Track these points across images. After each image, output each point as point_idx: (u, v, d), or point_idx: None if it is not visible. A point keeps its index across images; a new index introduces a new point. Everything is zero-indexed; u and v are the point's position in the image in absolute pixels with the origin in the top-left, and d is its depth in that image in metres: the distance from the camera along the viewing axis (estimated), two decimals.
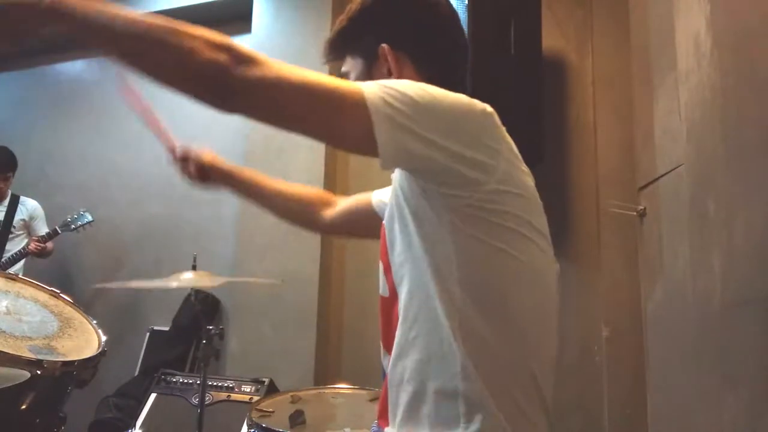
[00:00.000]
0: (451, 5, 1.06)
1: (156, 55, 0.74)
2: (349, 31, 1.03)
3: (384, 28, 1.00)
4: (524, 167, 0.90)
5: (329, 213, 1.34)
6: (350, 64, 1.04)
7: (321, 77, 0.78)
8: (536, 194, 0.91)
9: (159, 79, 0.75)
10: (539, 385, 0.86)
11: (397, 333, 0.89)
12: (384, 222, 0.95)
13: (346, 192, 3.11)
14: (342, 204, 1.35)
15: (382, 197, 1.25)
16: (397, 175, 0.92)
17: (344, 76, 1.05)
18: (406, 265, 0.88)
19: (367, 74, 1.00)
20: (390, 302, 0.94)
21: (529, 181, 0.90)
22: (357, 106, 0.76)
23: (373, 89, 0.78)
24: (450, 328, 0.82)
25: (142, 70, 0.75)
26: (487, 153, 0.82)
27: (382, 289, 0.98)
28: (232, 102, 0.76)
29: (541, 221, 0.91)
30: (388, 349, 0.93)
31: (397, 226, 0.90)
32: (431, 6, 1.02)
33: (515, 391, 0.83)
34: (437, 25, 1.02)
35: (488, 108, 0.85)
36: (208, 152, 1.35)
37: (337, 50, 1.06)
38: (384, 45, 0.98)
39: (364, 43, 1.01)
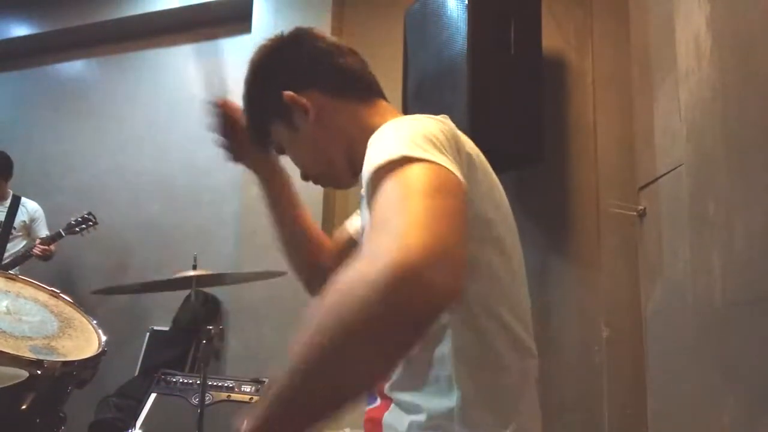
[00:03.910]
0: (319, 35, 1.05)
1: (347, 365, 0.58)
2: (254, 108, 1.05)
3: (274, 83, 1.00)
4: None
5: (328, 256, 1.23)
6: (275, 133, 1.05)
7: None
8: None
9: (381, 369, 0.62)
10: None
11: None
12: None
13: (346, 193, 3.11)
14: (335, 244, 1.25)
15: (356, 224, 1.19)
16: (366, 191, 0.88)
17: (277, 146, 1.07)
18: None
19: (290, 127, 1.01)
20: None
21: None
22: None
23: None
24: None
25: (361, 382, 0.61)
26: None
27: None
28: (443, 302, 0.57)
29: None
30: None
31: None
32: (307, 39, 1.02)
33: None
34: (321, 51, 1.02)
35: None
36: None
37: (260, 133, 1.07)
38: (285, 93, 0.98)
39: (270, 107, 1.02)
